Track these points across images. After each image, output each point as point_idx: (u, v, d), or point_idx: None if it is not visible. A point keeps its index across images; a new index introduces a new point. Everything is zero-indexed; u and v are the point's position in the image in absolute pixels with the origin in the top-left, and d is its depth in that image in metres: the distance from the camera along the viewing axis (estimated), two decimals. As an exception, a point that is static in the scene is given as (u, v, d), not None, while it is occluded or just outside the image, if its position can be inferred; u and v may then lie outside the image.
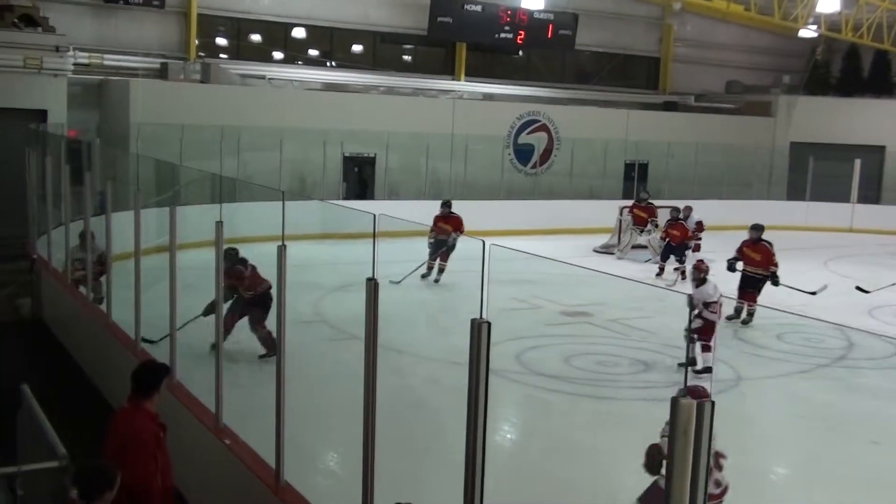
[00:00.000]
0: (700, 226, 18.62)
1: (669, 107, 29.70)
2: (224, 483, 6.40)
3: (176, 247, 7.87)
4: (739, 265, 13.94)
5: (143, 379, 5.26)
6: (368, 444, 4.46)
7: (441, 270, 15.87)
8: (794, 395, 10.60)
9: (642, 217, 20.00)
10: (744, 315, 13.51)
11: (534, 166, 25.99)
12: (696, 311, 10.27)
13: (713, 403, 2.64)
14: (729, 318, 12.22)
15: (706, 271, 10.79)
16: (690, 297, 10.30)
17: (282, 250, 5.35)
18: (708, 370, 10.51)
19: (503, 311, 12.98)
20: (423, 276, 15.87)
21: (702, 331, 10.49)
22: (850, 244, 24.21)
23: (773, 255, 13.73)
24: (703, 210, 19.32)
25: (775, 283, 13.39)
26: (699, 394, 5.53)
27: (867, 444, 8.97)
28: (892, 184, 28.44)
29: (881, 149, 28.88)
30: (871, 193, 27.54)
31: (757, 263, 13.69)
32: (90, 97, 21.16)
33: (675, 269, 17.54)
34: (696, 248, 17.96)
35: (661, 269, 17.78)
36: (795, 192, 27.58)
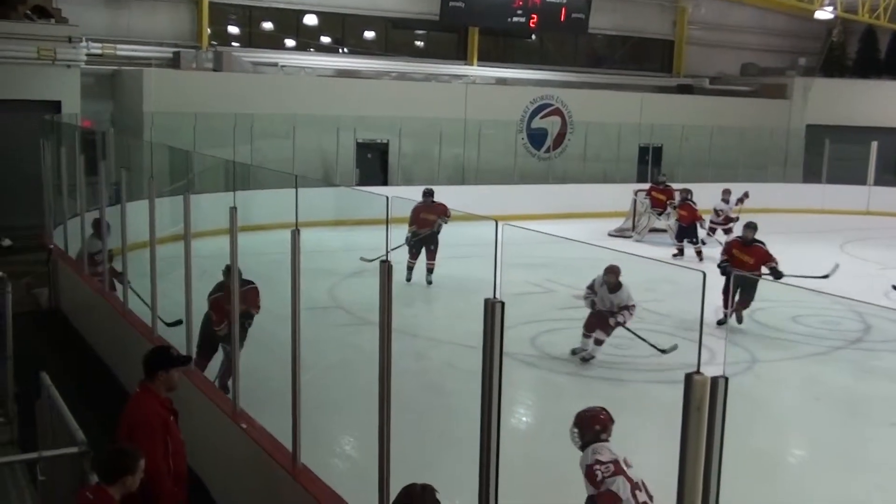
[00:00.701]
0: (741, 200, 18.50)
1: (684, 90, 29.53)
2: (241, 466, 6.44)
3: (191, 235, 7.90)
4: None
5: (148, 363, 5.30)
6: (384, 428, 4.49)
7: (430, 270, 14.52)
8: (810, 378, 10.58)
9: (661, 199, 19.95)
10: (731, 318, 12.35)
11: (547, 150, 25.94)
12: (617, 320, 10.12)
13: (727, 379, 2.64)
14: (719, 324, 11.06)
15: (619, 273, 10.08)
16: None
17: (295, 235, 5.36)
18: (592, 357, 10.37)
19: (517, 295, 12.93)
20: (408, 280, 14.29)
21: (600, 323, 10.19)
22: (866, 227, 24.06)
23: (770, 255, 12.26)
24: (718, 193, 19.21)
25: (777, 276, 11.98)
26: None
27: (885, 427, 8.94)
28: (909, 166, 28.25)
29: (897, 130, 28.68)
30: (889, 176, 27.32)
31: (749, 267, 12.17)
32: (103, 87, 21.27)
33: (680, 250, 17.86)
34: (728, 231, 17.81)
35: (680, 251, 17.82)
36: (811, 174, 27.42)
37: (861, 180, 26.52)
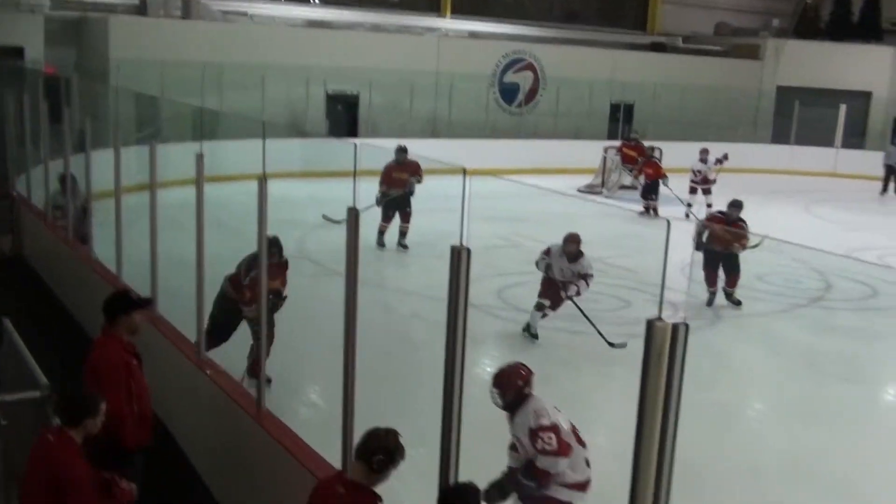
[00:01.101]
0: (718, 162, 18.06)
1: (657, 48, 29.50)
2: (206, 411, 6.46)
3: (157, 184, 7.83)
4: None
5: (109, 307, 5.28)
6: (349, 374, 4.51)
7: (403, 234, 13.81)
8: (771, 334, 10.74)
9: (632, 156, 20.00)
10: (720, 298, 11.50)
11: (519, 105, 25.87)
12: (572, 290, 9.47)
13: (687, 326, 2.67)
14: (709, 305, 11.17)
15: (580, 242, 9.58)
16: None
17: (262, 183, 5.33)
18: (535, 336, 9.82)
19: (485, 249, 13.03)
20: (380, 245, 13.62)
21: (551, 293, 9.63)
22: (832, 188, 24.32)
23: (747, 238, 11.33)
24: (688, 152, 19.28)
25: (734, 302, 11.38)
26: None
27: (840, 382, 9.15)
28: (877, 130, 28.50)
29: (867, 95, 28.88)
30: (856, 139, 27.59)
31: (727, 244, 11.37)
32: (68, 34, 20.80)
33: (646, 208, 17.72)
34: (707, 191, 17.77)
35: (646, 209, 17.83)
36: (780, 135, 27.59)
37: (829, 142, 26.74)
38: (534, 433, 5.02)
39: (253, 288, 6.94)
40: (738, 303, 11.42)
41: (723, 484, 6.63)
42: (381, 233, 13.69)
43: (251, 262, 7.33)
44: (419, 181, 13.54)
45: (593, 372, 8.97)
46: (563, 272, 9.65)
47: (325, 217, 11.41)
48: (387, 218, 13.69)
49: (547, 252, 9.84)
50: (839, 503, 6.57)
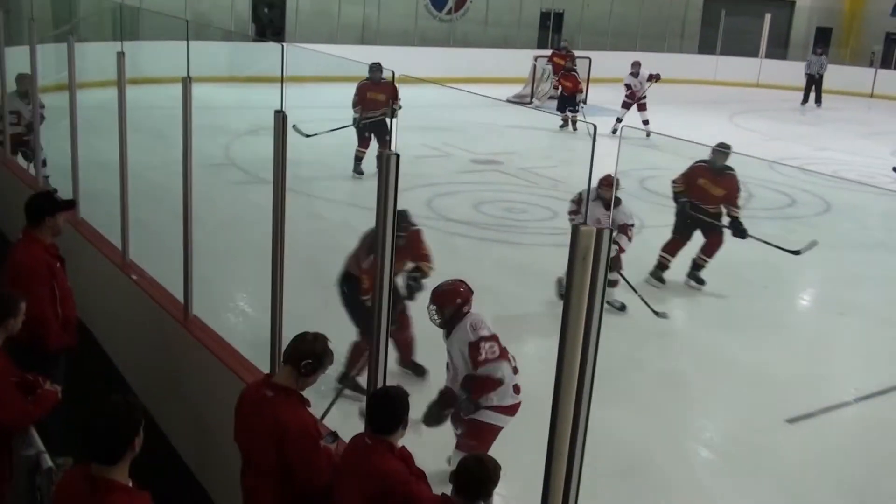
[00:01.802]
0: (651, 79, 17.08)
1: (588, -45, 29.21)
2: (131, 316, 6.41)
3: (75, 83, 7.58)
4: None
5: (33, 209, 5.17)
6: (277, 277, 4.50)
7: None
8: (694, 242, 10.98)
9: (561, 65, 19.98)
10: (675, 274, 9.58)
11: (448, 12, 25.51)
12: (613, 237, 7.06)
13: (612, 232, 2.73)
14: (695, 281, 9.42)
15: (616, 187, 7.67)
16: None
17: (187, 83, 5.19)
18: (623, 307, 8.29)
19: (415, 158, 13.00)
20: (358, 172, 12.60)
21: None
22: (756, 98, 24.70)
23: (739, 189, 9.32)
24: (617, 62, 19.33)
25: (740, 234, 9.11)
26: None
27: (759, 289, 9.45)
28: (799, 39, 28.88)
29: (791, 4, 29.16)
30: (779, 49, 27.94)
31: (717, 201, 9.20)
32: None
33: (565, 120, 17.63)
34: (642, 107, 17.15)
35: (565, 121, 17.71)
36: (707, 46, 27.80)
37: (754, 53, 27.06)
38: (474, 345, 5.01)
39: (371, 274, 4.52)
40: (701, 281, 9.35)
41: (644, 384, 6.86)
42: (359, 159, 12.59)
43: (371, 241, 5.70)
44: (399, 107, 11.66)
45: (520, 279, 9.10)
46: (599, 222, 8.43)
47: (294, 128, 10.59)
48: (363, 142, 12.56)
49: (577, 201, 8.33)
50: (754, 391, 6.87)
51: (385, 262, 3.70)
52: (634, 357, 7.18)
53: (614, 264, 7.61)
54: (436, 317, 5.23)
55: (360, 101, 12.34)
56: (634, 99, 17.21)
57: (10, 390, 4.15)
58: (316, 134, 10.80)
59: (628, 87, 17.32)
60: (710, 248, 9.30)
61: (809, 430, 6.42)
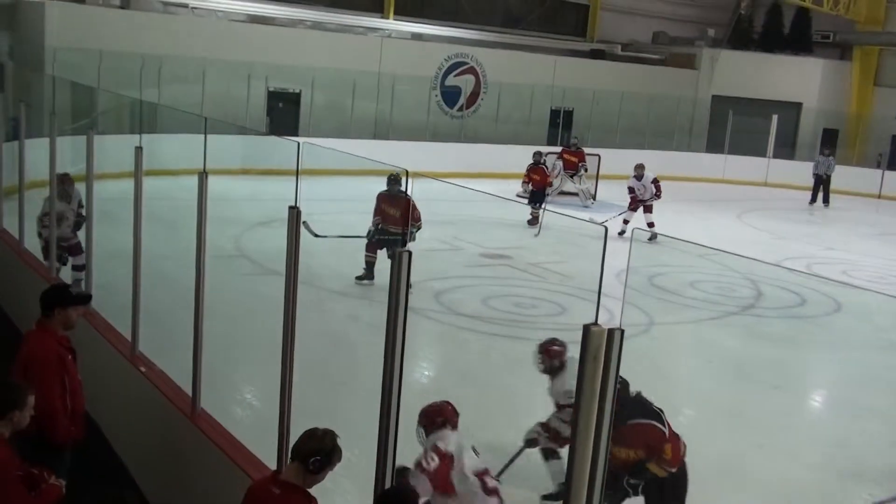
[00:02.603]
0: (658, 186, 16.68)
1: (596, 55, 29.87)
2: (138, 410, 6.37)
3: (93, 174, 7.70)
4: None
5: (47, 301, 5.20)
6: (286, 375, 4.49)
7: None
8: (704, 341, 10.95)
9: (572, 161, 20.22)
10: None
11: (460, 109, 25.96)
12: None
13: (622, 332, 2.73)
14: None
15: (561, 354, 6.64)
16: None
17: (203, 178, 5.27)
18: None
19: (424, 252, 13.05)
20: (368, 279, 11.64)
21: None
22: (764, 197, 24.88)
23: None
24: (625, 160, 19.56)
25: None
26: None
27: (769, 389, 9.35)
28: (806, 140, 29.25)
29: (798, 105, 29.61)
30: (787, 149, 28.27)
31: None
32: (2, 18, 20.32)
33: (534, 216, 16.85)
34: (648, 210, 16.56)
35: (534, 217, 16.85)
36: (715, 145, 28.15)
37: (761, 152, 27.36)
38: (424, 451, 4.94)
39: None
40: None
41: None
42: (370, 265, 11.65)
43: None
44: (418, 229, 11.15)
45: (529, 376, 9.03)
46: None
47: (304, 224, 9.92)
48: (372, 248, 11.65)
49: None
50: (766, 494, 6.74)
51: (395, 357, 3.70)
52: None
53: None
54: (422, 437, 5.09)
55: (379, 211, 11.63)
56: (635, 203, 16.75)
57: (13, 485, 4.10)
58: (326, 237, 10.65)
59: (631, 189, 16.84)
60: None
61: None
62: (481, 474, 5.00)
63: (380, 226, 11.54)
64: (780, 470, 7.24)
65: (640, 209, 16.65)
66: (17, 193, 10.03)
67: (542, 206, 16.53)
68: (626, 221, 16.46)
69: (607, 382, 2.72)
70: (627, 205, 16.91)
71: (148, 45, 19.70)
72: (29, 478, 4.29)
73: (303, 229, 6.72)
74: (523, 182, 18.73)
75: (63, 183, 9.39)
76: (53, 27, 19.05)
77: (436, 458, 4.89)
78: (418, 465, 4.87)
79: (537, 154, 18.02)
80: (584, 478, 2.81)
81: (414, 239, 10.97)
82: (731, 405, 8.83)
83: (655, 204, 16.71)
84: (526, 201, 18.80)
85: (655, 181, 16.69)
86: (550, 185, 17.75)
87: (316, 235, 9.69)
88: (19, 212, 9.91)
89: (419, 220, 11.07)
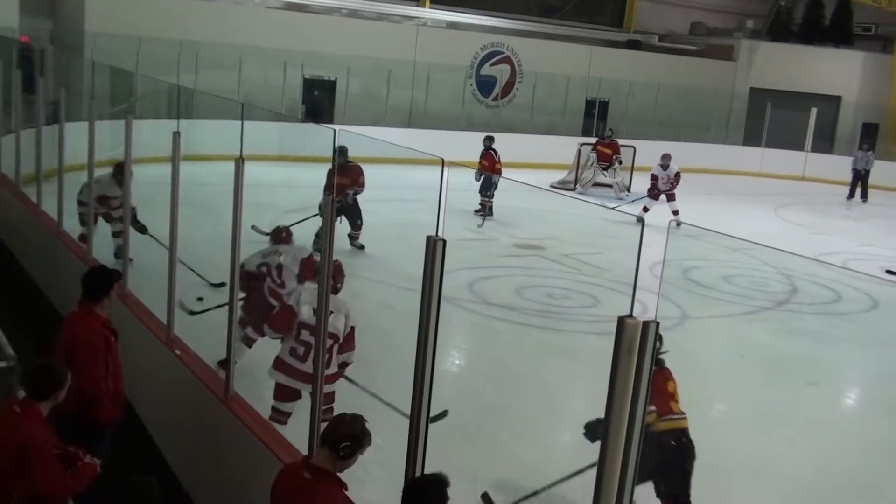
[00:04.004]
0: (678, 177, 16.83)
1: (633, 45, 29.62)
2: (173, 392, 6.44)
3: (131, 159, 7.78)
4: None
5: (93, 284, 5.25)
6: (319, 361, 4.52)
7: (354, 239, 12.65)
8: (737, 336, 10.85)
9: (606, 153, 20.10)
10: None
11: (495, 98, 25.90)
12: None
13: (657, 324, 2.72)
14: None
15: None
16: None
17: (239, 164, 5.31)
18: None
19: (457, 242, 13.05)
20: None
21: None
22: (801, 192, 24.59)
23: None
24: (660, 151, 19.41)
25: None
26: None
27: (804, 385, 9.26)
28: (846, 134, 28.84)
29: (837, 99, 29.20)
30: (825, 143, 27.90)
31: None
32: (43, 4, 20.55)
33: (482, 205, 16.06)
34: (671, 198, 16.65)
35: (482, 206, 16.02)
36: (752, 137, 27.84)
37: (799, 146, 27.02)
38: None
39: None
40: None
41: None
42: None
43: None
44: (358, 192, 12.21)
45: (561, 366, 9.03)
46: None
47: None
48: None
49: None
50: (799, 494, 6.68)
51: (428, 345, 3.70)
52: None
53: None
54: None
55: (328, 186, 11.76)
56: (654, 190, 16.87)
57: (51, 462, 4.17)
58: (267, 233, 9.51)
59: (654, 177, 17.00)
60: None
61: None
62: None
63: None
64: (812, 467, 7.17)
65: (663, 198, 16.77)
66: (57, 176, 10.15)
67: (489, 194, 15.91)
68: (645, 209, 16.41)
69: (641, 375, 2.71)
70: (647, 191, 17.03)
71: (186, 32, 19.84)
72: (65, 456, 4.36)
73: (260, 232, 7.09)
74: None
75: (121, 172, 9.20)
76: (93, 13, 19.24)
77: None
78: None
79: (488, 139, 17.14)
80: (616, 473, 2.80)
81: (350, 201, 12.05)
82: (764, 401, 8.75)
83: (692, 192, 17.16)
84: (562, 189, 18.81)
85: (677, 174, 16.83)
86: (499, 171, 16.62)
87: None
88: (58, 194, 10.03)
89: (363, 185, 12.10)
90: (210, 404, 5.64)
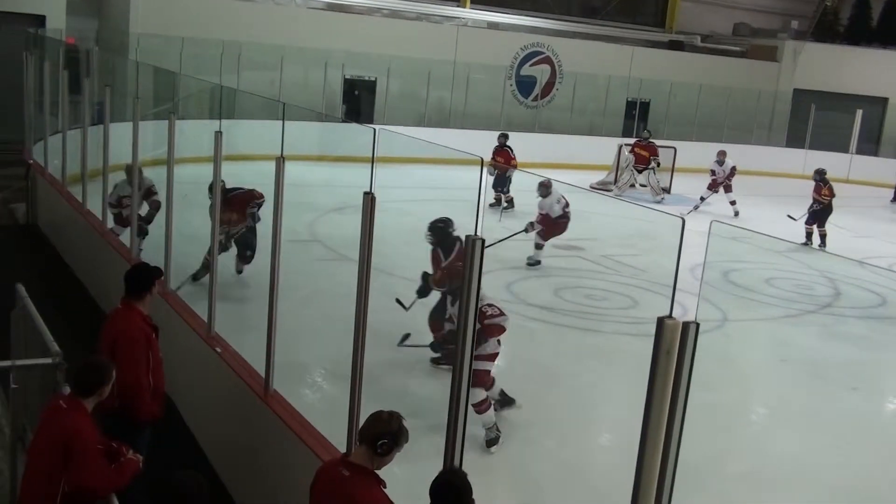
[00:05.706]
0: (733, 171, 18.82)
1: (675, 46, 29.36)
2: (213, 389, 6.51)
3: (174, 158, 7.87)
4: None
5: (136, 280, 5.33)
6: (358, 357, 4.54)
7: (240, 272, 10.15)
8: (779, 339, 10.73)
9: (644, 156, 19.96)
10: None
11: (535, 99, 25.82)
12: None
13: (698, 325, 2.69)
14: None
15: (549, 185, 12.34)
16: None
17: (280, 163, 5.35)
18: (538, 262, 12.36)
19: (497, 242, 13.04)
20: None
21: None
22: (845, 194, 24.20)
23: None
24: (702, 152, 19.30)
25: None
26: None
27: (846, 390, 9.13)
28: (892, 137, 28.36)
29: (884, 100, 28.73)
30: (870, 145, 27.47)
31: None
32: (90, 5, 20.88)
33: (497, 200, 16.26)
34: (728, 189, 18.60)
35: (497, 200, 16.28)
36: (795, 139, 27.49)
37: (844, 148, 26.62)
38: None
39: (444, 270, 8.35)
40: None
41: (723, 487, 6.65)
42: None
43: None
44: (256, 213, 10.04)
45: (599, 368, 8.99)
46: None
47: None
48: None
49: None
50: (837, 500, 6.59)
51: (466, 345, 3.71)
52: (714, 455, 6.98)
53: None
54: None
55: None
56: (714, 185, 18.68)
57: (96, 457, 4.23)
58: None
59: (713, 172, 18.74)
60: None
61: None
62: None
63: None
64: (854, 473, 7.07)
65: (721, 190, 18.61)
66: (101, 176, 10.30)
67: (505, 190, 16.26)
68: (702, 199, 18.39)
69: (681, 377, 2.69)
70: (707, 186, 18.77)
71: (228, 32, 20.02)
72: (109, 451, 4.43)
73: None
74: (490, 163, 18.57)
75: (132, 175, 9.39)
76: (138, 14, 19.49)
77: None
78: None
79: (502, 136, 17.65)
80: (655, 472, 2.79)
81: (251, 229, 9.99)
82: (806, 406, 8.65)
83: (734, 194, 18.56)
84: (602, 190, 18.96)
85: (733, 168, 18.72)
86: (515, 167, 16.77)
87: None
88: (103, 194, 10.18)
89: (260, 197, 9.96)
90: (249, 401, 5.69)
